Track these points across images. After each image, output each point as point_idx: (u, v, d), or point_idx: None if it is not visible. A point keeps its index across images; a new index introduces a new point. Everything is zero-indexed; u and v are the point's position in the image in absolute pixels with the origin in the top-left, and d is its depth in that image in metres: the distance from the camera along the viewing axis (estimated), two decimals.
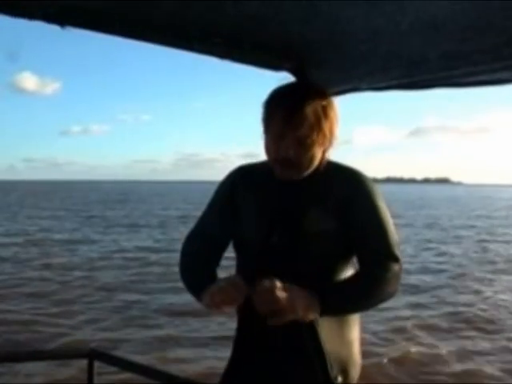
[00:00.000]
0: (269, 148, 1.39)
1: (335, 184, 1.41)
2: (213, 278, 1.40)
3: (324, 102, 1.37)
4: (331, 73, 1.68)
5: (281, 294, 1.22)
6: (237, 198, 1.50)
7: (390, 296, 1.40)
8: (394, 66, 1.60)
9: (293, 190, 1.42)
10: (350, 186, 1.41)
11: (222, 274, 1.43)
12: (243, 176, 1.54)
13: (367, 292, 1.37)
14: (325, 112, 1.35)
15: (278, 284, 1.23)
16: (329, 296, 1.31)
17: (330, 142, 1.40)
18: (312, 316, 1.29)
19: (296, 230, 1.39)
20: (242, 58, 1.70)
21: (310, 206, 1.39)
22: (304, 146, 1.34)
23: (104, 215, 29.77)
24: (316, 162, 1.40)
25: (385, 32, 1.43)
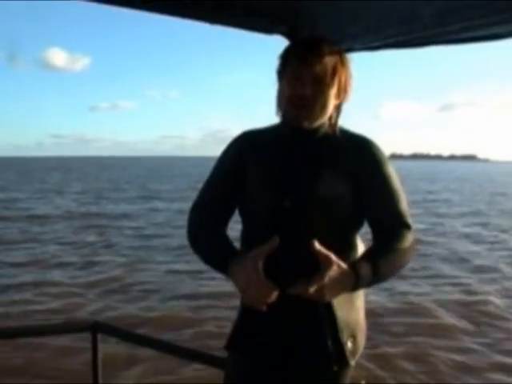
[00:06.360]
0: (283, 90, 1.36)
1: (348, 150, 1.39)
2: (224, 243, 1.38)
3: (341, 52, 1.37)
4: (324, 34, 1.64)
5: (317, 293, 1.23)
6: (244, 163, 1.46)
7: (406, 266, 1.40)
8: (388, 25, 1.56)
9: (305, 152, 1.39)
10: (363, 153, 1.39)
11: None
12: (250, 141, 1.49)
13: (394, 266, 1.35)
14: (342, 59, 1.35)
15: (311, 289, 1.22)
16: (363, 275, 1.28)
17: (343, 97, 1.38)
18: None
19: (309, 194, 1.37)
20: (232, 22, 1.67)
21: (323, 170, 1.37)
22: (320, 85, 1.32)
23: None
24: (328, 111, 1.37)
25: None
